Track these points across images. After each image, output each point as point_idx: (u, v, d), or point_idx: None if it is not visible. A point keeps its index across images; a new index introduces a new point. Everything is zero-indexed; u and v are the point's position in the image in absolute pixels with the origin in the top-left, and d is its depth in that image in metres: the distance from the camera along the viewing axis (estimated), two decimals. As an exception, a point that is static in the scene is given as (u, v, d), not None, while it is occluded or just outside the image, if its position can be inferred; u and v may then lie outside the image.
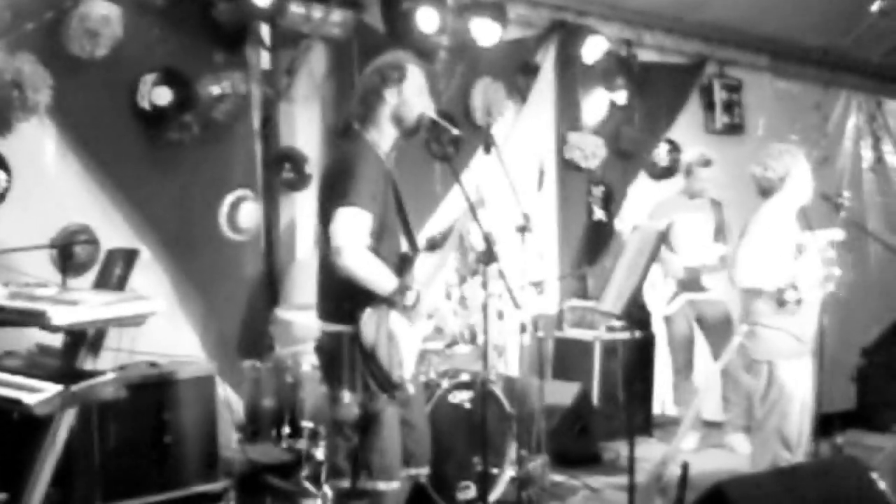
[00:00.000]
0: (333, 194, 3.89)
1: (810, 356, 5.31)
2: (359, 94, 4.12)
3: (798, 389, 5.16)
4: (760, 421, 5.26)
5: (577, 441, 6.64)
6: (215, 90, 5.88)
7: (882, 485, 4.04)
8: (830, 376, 6.23)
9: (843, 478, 4.14)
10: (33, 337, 4.39)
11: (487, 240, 4.09)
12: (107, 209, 5.63)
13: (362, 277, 3.84)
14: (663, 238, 5.21)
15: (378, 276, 3.88)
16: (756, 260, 5.09)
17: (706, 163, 7.13)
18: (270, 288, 6.37)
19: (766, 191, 5.30)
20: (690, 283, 7.16)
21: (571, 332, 7.53)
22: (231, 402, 5.91)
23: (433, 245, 4.36)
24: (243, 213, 6.11)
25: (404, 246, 4.16)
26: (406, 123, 4.07)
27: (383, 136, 4.06)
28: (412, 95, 4.06)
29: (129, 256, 4.74)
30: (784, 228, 5.16)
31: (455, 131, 4.55)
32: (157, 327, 4.68)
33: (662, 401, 7.85)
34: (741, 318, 5.31)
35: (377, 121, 4.05)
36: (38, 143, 5.41)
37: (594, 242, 8.09)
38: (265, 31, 6.25)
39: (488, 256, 4.11)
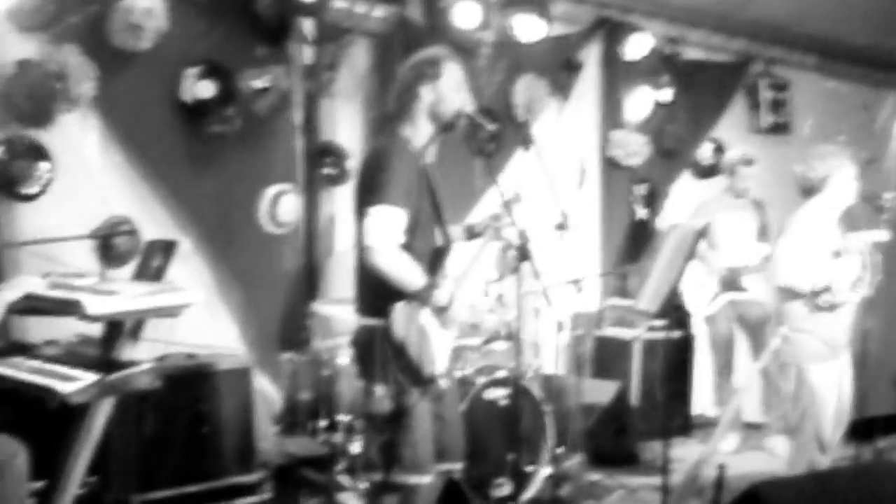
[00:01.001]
0: (367, 191, 3.90)
1: (844, 359, 5.24)
2: (396, 89, 4.12)
3: (830, 393, 5.09)
4: (795, 424, 5.20)
5: (614, 440, 6.61)
6: (257, 84, 5.91)
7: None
8: (874, 380, 6.16)
9: (881, 482, 4.08)
10: (76, 327, 4.42)
11: (522, 237, 4.07)
12: (148, 201, 5.66)
13: (392, 277, 3.85)
14: (700, 237, 5.17)
15: (408, 276, 3.88)
16: (792, 260, 5.03)
17: (749, 162, 7.08)
18: (309, 282, 6.39)
19: (808, 190, 5.24)
20: (732, 282, 7.10)
21: (611, 331, 7.49)
22: (269, 394, 5.94)
23: (472, 234, 4.36)
24: (283, 206, 6.13)
25: (440, 240, 4.16)
26: (442, 119, 4.06)
27: (419, 132, 4.05)
28: (448, 91, 4.04)
29: (168, 247, 4.76)
30: (823, 230, 5.10)
31: (490, 127, 4.52)
32: (196, 319, 4.72)
33: (703, 401, 7.78)
34: (776, 319, 5.25)
35: (413, 116, 4.04)
36: (82, 134, 5.45)
37: (636, 241, 8.03)
38: (308, 25, 6.26)
39: (522, 253, 4.09)
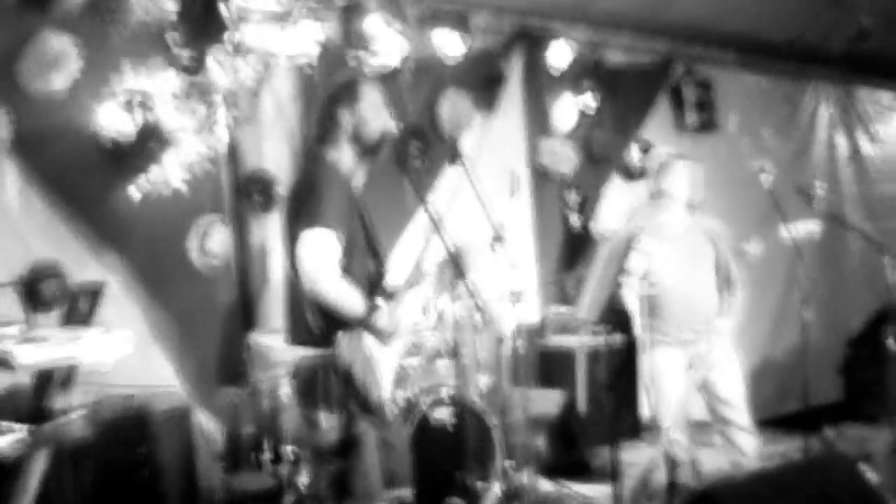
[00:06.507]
0: (298, 217, 3.84)
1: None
2: (317, 115, 4.08)
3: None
4: None
5: (565, 449, 6.58)
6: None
7: (872, 477, 4.00)
8: (817, 368, 6.20)
9: (832, 474, 4.09)
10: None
11: (455, 255, 4.03)
12: (73, 243, 5.52)
13: (333, 301, 3.78)
14: (631, 243, 5.17)
15: (350, 301, 3.82)
16: None
17: (673, 162, 7.11)
18: (245, 313, 6.27)
19: None
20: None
21: (554, 340, 7.46)
22: (210, 431, 5.82)
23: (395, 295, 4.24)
24: (213, 238, 6.02)
25: (375, 264, 4.11)
26: (365, 142, 4.02)
27: (344, 156, 4.01)
28: (368, 113, 4.01)
29: (96, 290, 4.64)
30: None
31: (417, 145, 4.50)
32: (130, 360, 4.59)
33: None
34: None
35: (337, 141, 4.01)
36: (-1, 180, 5.32)
37: (571, 248, 8.01)
38: (226, 52, 6.15)
39: (457, 271, 4.05)
